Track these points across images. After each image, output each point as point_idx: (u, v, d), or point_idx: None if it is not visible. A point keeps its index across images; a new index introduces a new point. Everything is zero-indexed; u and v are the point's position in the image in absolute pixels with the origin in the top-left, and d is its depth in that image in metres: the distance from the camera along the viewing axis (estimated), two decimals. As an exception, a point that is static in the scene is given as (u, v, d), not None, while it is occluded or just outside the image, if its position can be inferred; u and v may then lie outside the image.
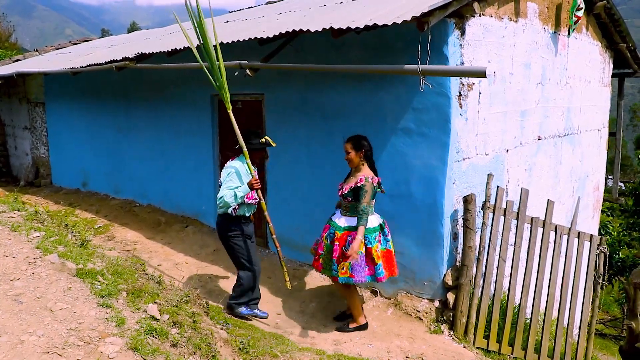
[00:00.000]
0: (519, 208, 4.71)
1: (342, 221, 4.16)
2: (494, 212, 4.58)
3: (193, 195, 7.02)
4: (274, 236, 4.33)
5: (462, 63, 4.34)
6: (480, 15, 4.48)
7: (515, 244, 4.71)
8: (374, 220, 4.12)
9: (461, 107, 4.38)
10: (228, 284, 5.20)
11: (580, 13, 5.81)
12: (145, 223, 7.26)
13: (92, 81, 8.45)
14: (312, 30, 4.07)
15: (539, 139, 5.84)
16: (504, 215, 4.62)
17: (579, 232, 5.18)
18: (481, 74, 3.38)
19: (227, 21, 7.17)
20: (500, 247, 4.63)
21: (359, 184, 4.03)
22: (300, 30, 4.17)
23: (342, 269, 4.05)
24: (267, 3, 8.68)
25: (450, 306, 4.46)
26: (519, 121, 5.37)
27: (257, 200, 4.35)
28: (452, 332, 4.42)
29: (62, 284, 3.02)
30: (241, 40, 4.61)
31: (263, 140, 4.38)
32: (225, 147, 6.35)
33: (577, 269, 5.11)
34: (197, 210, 6.99)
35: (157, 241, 6.59)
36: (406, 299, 4.73)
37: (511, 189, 5.28)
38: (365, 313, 4.53)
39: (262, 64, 4.74)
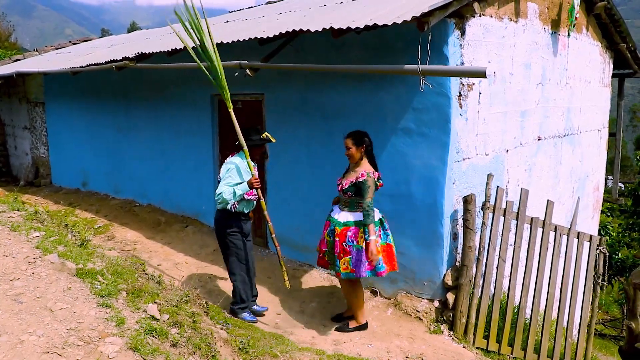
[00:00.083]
0: (518, 208, 4.72)
1: (341, 216, 4.16)
2: (493, 213, 4.58)
3: (193, 195, 7.02)
4: (273, 235, 4.33)
5: (462, 63, 4.34)
6: (480, 16, 4.48)
7: (515, 244, 4.71)
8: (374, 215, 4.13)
9: (461, 107, 4.38)
10: (228, 284, 5.18)
11: (577, 5, 5.78)
12: (145, 223, 7.26)
13: (92, 81, 8.45)
14: (312, 30, 4.07)
15: (539, 139, 5.84)
16: (504, 215, 4.62)
17: (578, 233, 5.18)
18: (481, 74, 3.38)
19: (227, 21, 7.17)
20: (500, 247, 4.63)
21: (360, 179, 4.03)
22: (301, 30, 4.17)
23: (344, 264, 4.07)
24: (267, 3, 8.68)
25: (450, 306, 4.46)
26: (519, 121, 5.37)
27: (256, 197, 4.34)
28: (451, 332, 4.42)
29: (62, 284, 3.02)
30: (241, 40, 4.61)
31: (263, 136, 4.38)
32: (226, 147, 6.35)
33: (576, 269, 5.11)
34: (197, 210, 6.99)
35: (157, 241, 6.59)
36: (406, 299, 4.73)
37: (511, 189, 5.28)
38: (365, 313, 4.53)
39: (262, 64, 4.74)
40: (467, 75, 4.19)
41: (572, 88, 6.57)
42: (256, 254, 5.56)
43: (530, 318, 4.76)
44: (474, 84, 4.50)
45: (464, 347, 4.30)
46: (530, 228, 4.79)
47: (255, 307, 4.65)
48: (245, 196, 4.26)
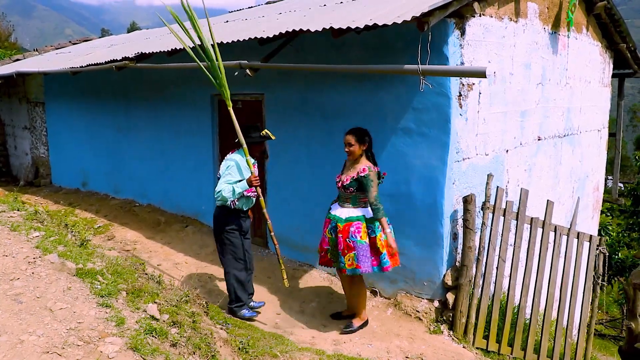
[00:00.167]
0: (518, 208, 4.72)
1: (343, 212, 4.15)
2: (493, 213, 4.58)
3: (193, 195, 7.02)
4: (272, 233, 4.33)
5: (462, 63, 4.34)
6: (480, 16, 4.48)
7: (514, 244, 4.71)
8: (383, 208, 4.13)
9: (461, 107, 4.38)
10: (228, 283, 5.20)
11: None
12: (145, 223, 7.26)
13: (92, 81, 8.45)
14: (312, 30, 4.07)
15: (538, 140, 5.84)
16: (504, 215, 4.62)
17: (578, 233, 5.18)
18: (481, 74, 3.38)
19: (227, 21, 7.17)
20: (500, 248, 4.63)
21: (362, 174, 4.03)
22: (300, 30, 4.17)
23: (348, 260, 4.06)
24: (267, 3, 8.68)
25: (450, 306, 4.46)
26: (519, 121, 5.37)
27: (255, 194, 4.34)
28: (451, 332, 4.42)
29: (62, 284, 3.02)
30: (241, 40, 4.61)
31: (263, 133, 4.38)
32: (226, 147, 6.34)
33: (576, 270, 5.11)
34: (197, 210, 6.99)
35: (157, 241, 6.59)
36: (406, 299, 4.72)
37: (511, 189, 5.28)
38: (366, 310, 4.53)
39: (262, 64, 4.74)
40: (467, 75, 4.19)
41: (572, 88, 6.57)
42: (256, 254, 5.56)
43: (530, 318, 4.76)
44: (474, 84, 4.50)
45: (463, 347, 4.31)
46: (530, 228, 4.79)
47: (252, 303, 4.64)
48: (245, 193, 4.26)
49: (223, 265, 4.50)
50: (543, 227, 4.84)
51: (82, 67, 6.96)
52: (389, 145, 4.65)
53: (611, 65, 7.98)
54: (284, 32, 4.28)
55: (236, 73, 4.72)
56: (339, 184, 4.20)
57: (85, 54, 8.96)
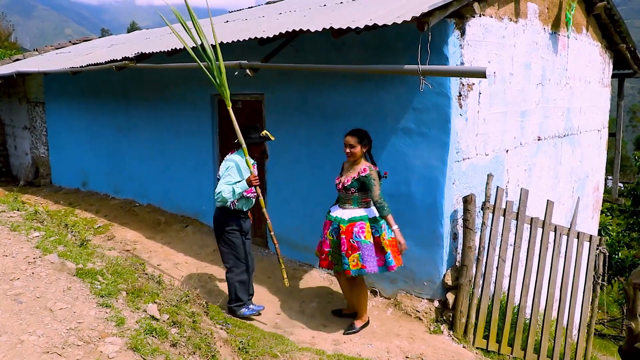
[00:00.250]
0: (518, 208, 4.72)
1: (345, 213, 4.13)
2: (493, 213, 4.58)
3: (193, 195, 7.02)
4: (272, 233, 4.33)
5: (462, 63, 4.34)
6: (480, 16, 4.48)
7: (514, 244, 4.71)
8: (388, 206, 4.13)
9: (461, 107, 4.38)
10: (228, 283, 5.20)
11: None
12: (145, 223, 7.26)
13: (92, 81, 8.45)
14: (312, 30, 4.07)
15: (538, 140, 5.84)
16: (504, 215, 4.62)
17: (578, 233, 5.18)
18: (481, 74, 3.38)
19: (227, 21, 7.16)
20: (500, 247, 4.63)
21: (363, 174, 4.03)
22: (300, 30, 4.17)
23: (353, 261, 4.03)
24: (267, 3, 8.68)
25: (450, 306, 4.46)
26: (519, 121, 5.37)
27: (255, 195, 4.34)
28: (451, 332, 4.42)
29: (62, 284, 3.02)
30: (241, 40, 4.61)
31: (262, 134, 4.38)
32: (225, 147, 6.34)
33: (576, 269, 5.12)
34: (197, 210, 6.99)
35: (157, 241, 6.59)
36: (406, 299, 4.73)
37: (511, 189, 5.28)
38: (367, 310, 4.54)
39: (262, 64, 4.73)
40: (467, 75, 4.19)
41: (572, 88, 6.57)
42: (256, 254, 5.56)
43: (530, 318, 4.76)
44: (474, 84, 4.50)
45: (463, 347, 4.31)
46: (530, 228, 4.79)
47: (251, 305, 4.64)
48: (245, 194, 4.26)
49: (225, 265, 4.50)
50: (543, 227, 4.84)
51: (82, 67, 6.96)
52: (389, 146, 4.65)
53: (611, 66, 7.99)
54: (284, 32, 4.28)
55: (236, 73, 4.72)
56: (340, 186, 4.19)
57: (85, 54, 8.96)
